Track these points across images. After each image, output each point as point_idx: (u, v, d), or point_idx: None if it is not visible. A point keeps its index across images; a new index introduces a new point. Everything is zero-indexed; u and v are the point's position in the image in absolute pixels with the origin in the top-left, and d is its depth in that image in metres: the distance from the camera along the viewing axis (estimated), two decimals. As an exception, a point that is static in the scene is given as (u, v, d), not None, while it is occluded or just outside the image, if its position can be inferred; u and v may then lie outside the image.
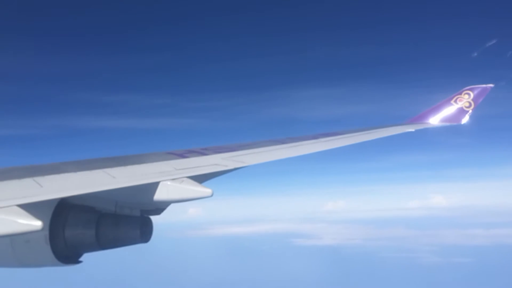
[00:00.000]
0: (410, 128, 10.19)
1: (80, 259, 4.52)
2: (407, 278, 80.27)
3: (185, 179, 4.13)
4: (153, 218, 4.64)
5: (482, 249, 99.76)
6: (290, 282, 79.41)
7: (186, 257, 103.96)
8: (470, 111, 11.37)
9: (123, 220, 4.36)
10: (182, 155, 5.30)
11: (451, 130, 11.56)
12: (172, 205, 4.44)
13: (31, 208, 3.07)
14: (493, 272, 79.63)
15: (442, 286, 76.68)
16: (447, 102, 11.63)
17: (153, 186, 4.02)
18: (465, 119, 11.35)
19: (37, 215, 2.96)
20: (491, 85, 11.47)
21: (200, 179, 4.46)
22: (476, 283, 75.45)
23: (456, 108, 11.49)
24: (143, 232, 4.37)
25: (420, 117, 11.54)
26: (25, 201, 3.19)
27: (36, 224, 2.89)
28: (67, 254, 4.31)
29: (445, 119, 11.42)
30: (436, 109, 11.63)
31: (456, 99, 11.55)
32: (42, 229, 2.96)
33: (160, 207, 4.56)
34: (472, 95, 11.43)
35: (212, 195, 3.88)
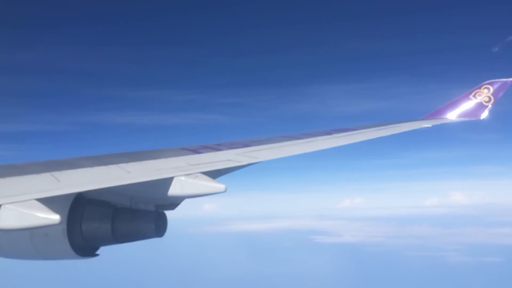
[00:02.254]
0: (427, 124, 10.05)
1: (97, 252, 4.64)
2: (436, 278, 78.80)
3: (199, 174, 4.17)
4: (170, 213, 4.71)
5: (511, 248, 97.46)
6: (313, 279, 78.93)
7: (205, 253, 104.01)
8: (490, 106, 11.11)
9: (138, 215, 4.46)
10: (196, 151, 5.34)
11: (470, 125, 11.37)
12: (186, 200, 4.49)
13: (49, 202, 3.14)
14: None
15: (474, 286, 75.30)
16: (465, 96, 11.37)
17: (167, 181, 4.07)
18: (484, 114, 11.11)
19: (55, 209, 3.03)
20: None
21: (214, 174, 4.49)
22: (508, 283, 73.58)
23: (475, 103, 11.22)
24: (158, 226, 4.45)
25: (438, 112, 11.32)
26: (44, 195, 3.27)
27: (54, 217, 2.97)
28: (84, 247, 4.42)
29: (463, 114, 11.16)
30: (454, 104, 11.38)
31: (475, 94, 11.27)
32: (60, 222, 3.02)
33: (174, 202, 4.62)
34: (491, 89, 11.15)
35: (225, 191, 3.92)
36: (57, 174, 3.84)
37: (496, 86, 11.19)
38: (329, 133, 7.60)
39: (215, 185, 3.97)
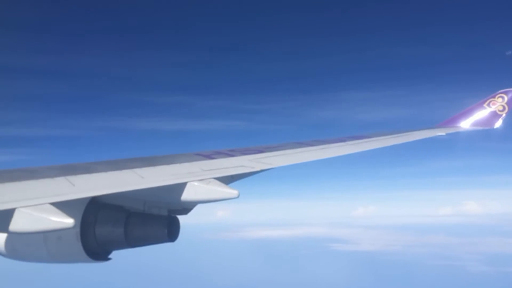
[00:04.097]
0: (441, 132, 9.95)
1: (110, 256, 4.68)
2: (454, 286, 78.13)
3: (212, 180, 4.18)
4: (183, 219, 4.72)
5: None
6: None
7: (221, 259, 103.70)
8: (504, 115, 11.03)
9: (151, 219, 4.47)
10: (209, 156, 5.36)
11: (483, 134, 11.25)
12: (199, 206, 4.49)
13: (64, 206, 3.16)
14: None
15: None
16: (479, 105, 11.30)
17: (181, 186, 4.08)
18: (498, 123, 11.02)
19: (69, 213, 3.06)
20: None
21: (227, 180, 4.52)
22: None
23: (489, 111, 11.14)
24: (171, 231, 4.46)
25: (451, 120, 11.24)
26: (58, 199, 3.29)
27: (68, 221, 2.99)
28: (97, 251, 4.46)
29: (477, 123, 11.08)
30: (468, 112, 11.31)
31: (489, 103, 11.19)
32: (74, 226, 3.05)
33: (187, 207, 4.63)
34: (506, 98, 11.06)
35: (238, 197, 3.92)
36: (71, 178, 3.87)
37: (510, 95, 11.11)
38: (343, 140, 7.57)
39: (228, 191, 3.99)
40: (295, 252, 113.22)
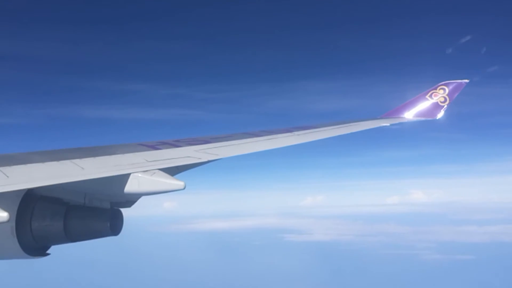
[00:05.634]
0: (385, 123, 10.24)
1: (48, 251, 4.49)
2: (411, 276, 79.34)
3: (157, 171, 4.08)
4: (127, 211, 4.59)
5: (481, 246, 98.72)
6: (289, 279, 78.47)
7: (171, 252, 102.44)
8: (445, 106, 11.45)
9: (92, 212, 4.31)
10: (154, 147, 5.25)
11: (426, 125, 11.69)
12: (144, 198, 4.38)
13: None
14: (497, 269, 78.30)
15: (447, 283, 75.84)
16: (422, 97, 11.69)
17: (124, 178, 3.97)
18: (440, 114, 11.43)
19: (3, 206, 2.92)
20: (466, 80, 11.53)
21: (173, 171, 4.43)
22: (481, 280, 74.43)
23: (431, 103, 11.55)
24: (113, 224, 4.31)
25: (395, 111, 11.59)
26: None
27: (1, 215, 2.87)
28: (35, 246, 4.27)
29: (420, 114, 11.47)
30: (411, 103, 11.69)
31: (431, 94, 11.60)
32: (9, 220, 2.92)
33: (130, 200, 4.50)
34: (447, 90, 11.50)
35: (184, 188, 3.86)
36: (6, 169, 3.69)
37: (451, 87, 11.53)
38: (290, 130, 7.64)
39: (174, 182, 3.91)
40: (247, 244, 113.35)
